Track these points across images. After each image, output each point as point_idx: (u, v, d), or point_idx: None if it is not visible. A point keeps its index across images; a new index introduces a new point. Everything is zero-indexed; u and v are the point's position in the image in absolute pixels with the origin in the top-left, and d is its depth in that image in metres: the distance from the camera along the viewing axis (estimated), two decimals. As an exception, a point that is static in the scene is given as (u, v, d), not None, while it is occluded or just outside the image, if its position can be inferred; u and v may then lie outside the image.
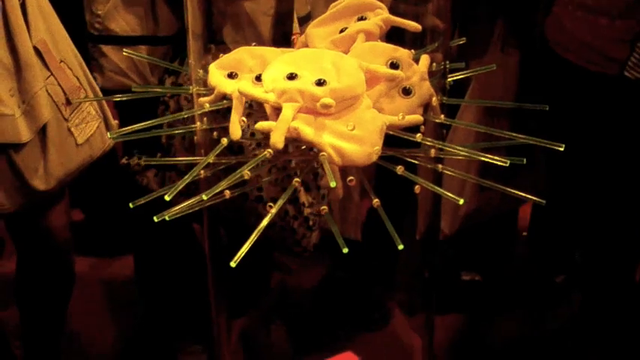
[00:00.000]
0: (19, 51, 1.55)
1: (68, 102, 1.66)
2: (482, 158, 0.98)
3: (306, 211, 1.78)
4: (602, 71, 1.79)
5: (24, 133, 1.57)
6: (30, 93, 1.56)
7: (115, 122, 1.81)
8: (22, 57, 1.56)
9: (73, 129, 1.67)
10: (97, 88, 1.79)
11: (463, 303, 2.50)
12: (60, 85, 1.65)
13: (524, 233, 2.64)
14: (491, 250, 2.55)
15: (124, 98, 1.16)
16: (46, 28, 1.64)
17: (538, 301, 2.51)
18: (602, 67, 1.79)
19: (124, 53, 1.26)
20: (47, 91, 1.61)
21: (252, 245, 0.90)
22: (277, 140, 0.91)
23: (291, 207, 1.76)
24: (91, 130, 1.71)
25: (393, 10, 1.15)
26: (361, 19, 1.13)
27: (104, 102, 1.78)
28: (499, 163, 0.94)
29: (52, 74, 1.63)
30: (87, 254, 2.65)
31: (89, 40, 1.88)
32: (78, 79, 1.71)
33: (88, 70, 1.77)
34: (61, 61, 1.67)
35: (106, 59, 1.87)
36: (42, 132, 1.61)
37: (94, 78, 1.84)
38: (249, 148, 1.53)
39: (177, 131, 1.50)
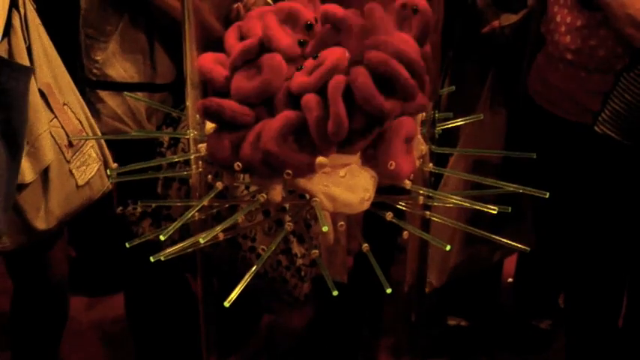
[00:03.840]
0: None
1: (70, 144, 1.68)
2: (470, 206, 1.01)
3: (299, 261, 1.79)
4: (579, 121, 1.83)
5: (27, 173, 1.58)
6: (34, 134, 1.58)
7: (114, 165, 1.81)
8: None
9: (74, 171, 1.69)
10: (98, 131, 1.81)
11: (449, 347, 2.52)
12: (63, 128, 1.67)
13: (510, 280, 2.66)
14: (477, 296, 2.57)
15: (126, 137, 1.16)
16: (51, 72, 1.67)
17: (523, 346, 2.52)
18: (578, 117, 1.83)
19: (125, 95, 1.26)
20: (51, 133, 1.63)
21: (243, 289, 0.91)
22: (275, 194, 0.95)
23: (284, 257, 1.77)
24: (91, 172, 1.73)
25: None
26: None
27: (104, 145, 1.79)
28: (486, 210, 0.97)
29: (55, 117, 1.65)
30: (78, 292, 2.65)
31: (87, 85, 1.89)
32: (80, 122, 1.72)
33: (89, 114, 1.79)
34: (65, 104, 1.69)
35: (102, 104, 1.87)
36: (44, 173, 1.63)
37: None
38: (242, 194, 1.55)
39: (173, 174, 1.51)
